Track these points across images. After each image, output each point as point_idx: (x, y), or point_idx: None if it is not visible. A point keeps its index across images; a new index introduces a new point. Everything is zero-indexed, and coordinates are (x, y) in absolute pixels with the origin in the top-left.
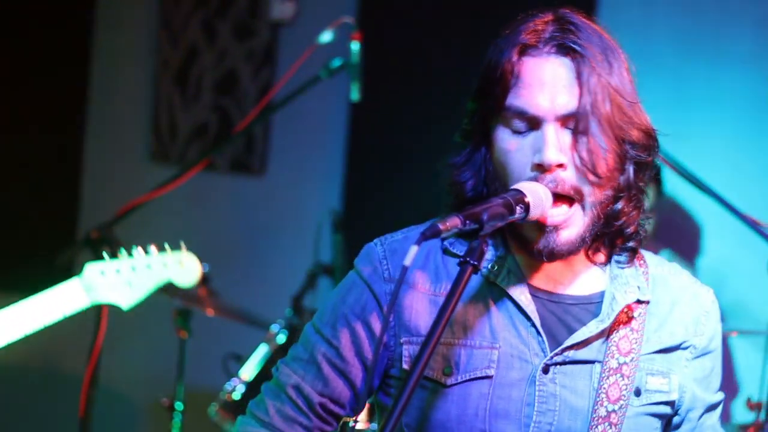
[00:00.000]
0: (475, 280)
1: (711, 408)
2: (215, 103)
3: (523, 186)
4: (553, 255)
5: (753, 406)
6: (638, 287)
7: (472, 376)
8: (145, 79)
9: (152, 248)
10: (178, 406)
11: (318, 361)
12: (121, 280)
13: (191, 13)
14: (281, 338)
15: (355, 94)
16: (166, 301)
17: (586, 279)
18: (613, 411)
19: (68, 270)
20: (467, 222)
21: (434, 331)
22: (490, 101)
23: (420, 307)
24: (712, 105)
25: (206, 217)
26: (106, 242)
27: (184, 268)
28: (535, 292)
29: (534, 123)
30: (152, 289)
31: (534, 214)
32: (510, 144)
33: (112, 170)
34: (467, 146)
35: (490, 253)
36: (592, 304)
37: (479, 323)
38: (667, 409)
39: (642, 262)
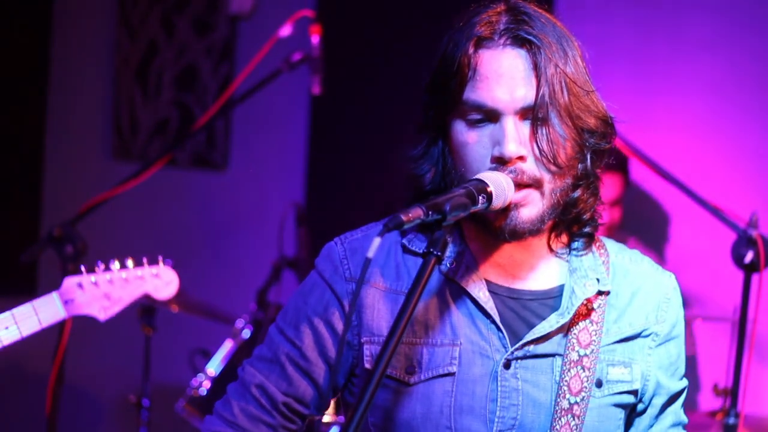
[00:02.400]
0: (434, 278)
1: (676, 396)
2: (176, 99)
3: (485, 176)
4: (515, 233)
5: (720, 392)
6: (597, 279)
7: (435, 374)
8: (104, 76)
9: (129, 261)
10: (145, 402)
11: (282, 361)
12: (99, 292)
13: (149, 8)
14: (246, 333)
15: (316, 88)
16: None
17: (545, 272)
18: (576, 403)
19: (32, 268)
20: (430, 212)
21: (397, 327)
22: (447, 95)
23: (381, 306)
24: (671, 91)
25: (169, 212)
26: (70, 239)
27: (161, 281)
28: (493, 288)
29: (492, 116)
30: (129, 302)
31: (496, 203)
32: (468, 137)
33: (73, 167)
34: (424, 139)
35: (448, 249)
36: (551, 299)
37: (440, 321)
38: (630, 398)
39: (603, 250)
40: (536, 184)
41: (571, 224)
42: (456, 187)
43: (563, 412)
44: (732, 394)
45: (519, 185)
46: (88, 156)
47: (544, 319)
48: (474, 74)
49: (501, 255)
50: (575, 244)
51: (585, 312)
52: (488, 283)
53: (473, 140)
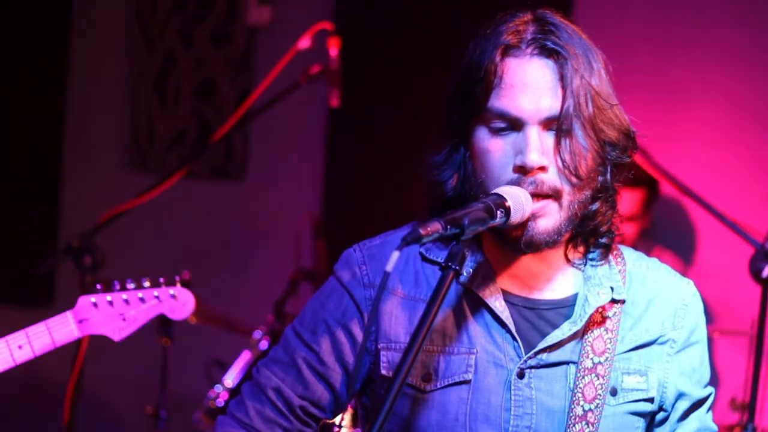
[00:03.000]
0: (451, 287)
1: (700, 402)
2: (194, 110)
3: (504, 190)
4: (532, 244)
5: (737, 406)
6: (612, 288)
7: (451, 382)
8: (123, 87)
9: (146, 281)
10: (162, 413)
11: (298, 365)
12: (114, 312)
13: (168, 20)
14: (264, 344)
15: (334, 100)
16: None
17: (561, 281)
18: (590, 410)
19: (50, 279)
20: (448, 227)
21: (417, 338)
22: (471, 101)
23: (399, 313)
24: (688, 105)
25: (187, 223)
26: (88, 250)
27: (177, 301)
28: (509, 298)
29: (516, 124)
30: (144, 322)
31: (515, 218)
32: (490, 144)
33: (91, 178)
34: (446, 145)
35: (466, 259)
36: (566, 307)
37: (456, 330)
38: (647, 406)
39: (620, 259)
40: (555, 195)
41: (588, 236)
42: (475, 197)
43: (577, 419)
44: (749, 408)
45: (538, 195)
46: (106, 167)
47: (557, 327)
48: (500, 82)
49: (518, 266)
50: (592, 255)
51: (599, 320)
52: (505, 293)
53: (495, 148)
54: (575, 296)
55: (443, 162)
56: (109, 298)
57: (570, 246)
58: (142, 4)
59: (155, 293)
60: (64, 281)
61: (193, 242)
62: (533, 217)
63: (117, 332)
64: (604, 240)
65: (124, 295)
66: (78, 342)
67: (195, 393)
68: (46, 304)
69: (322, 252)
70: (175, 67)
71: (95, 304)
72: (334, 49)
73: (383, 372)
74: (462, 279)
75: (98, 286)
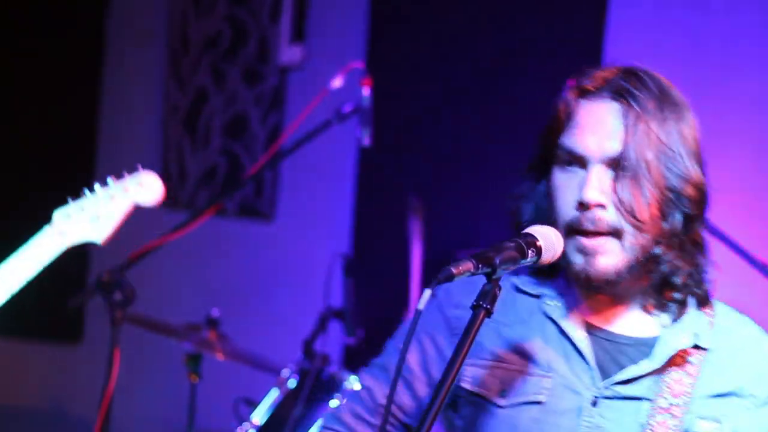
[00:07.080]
0: (535, 312)
1: None
2: (224, 148)
3: (535, 230)
4: (590, 281)
5: None
6: (696, 333)
7: (524, 400)
8: (154, 124)
9: (111, 179)
10: None
11: (389, 370)
12: (87, 216)
13: (200, 57)
14: (292, 382)
15: (366, 140)
16: (176, 345)
17: (643, 321)
18: None
19: (79, 314)
20: (480, 266)
21: (450, 371)
22: (548, 140)
23: (485, 331)
24: (717, 151)
25: (216, 261)
26: (118, 286)
27: (145, 187)
28: (591, 329)
29: (582, 163)
30: (121, 216)
31: (545, 257)
32: (560, 181)
33: None
34: (527, 180)
35: (549, 289)
36: (647, 347)
37: (536, 353)
38: None
39: (710, 310)
40: (615, 234)
41: (661, 286)
42: (507, 240)
43: None
44: None
45: (596, 233)
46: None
47: (636, 363)
48: (572, 122)
49: (600, 301)
50: (670, 309)
51: (680, 362)
52: (587, 324)
53: (563, 185)
54: (657, 338)
55: (523, 195)
56: (80, 205)
57: (644, 296)
58: (174, 41)
59: (121, 186)
60: (93, 317)
61: (222, 280)
62: (594, 252)
63: (96, 233)
64: (677, 295)
65: (94, 198)
66: (107, 377)
67: (223, 430)
68: (74, 340)
69: (351, 291)
70: (206, 104)
71: (68, 215)
72: (366, 88)
73: (464, 386)
74: (547, 308)
75: (68, 199)
